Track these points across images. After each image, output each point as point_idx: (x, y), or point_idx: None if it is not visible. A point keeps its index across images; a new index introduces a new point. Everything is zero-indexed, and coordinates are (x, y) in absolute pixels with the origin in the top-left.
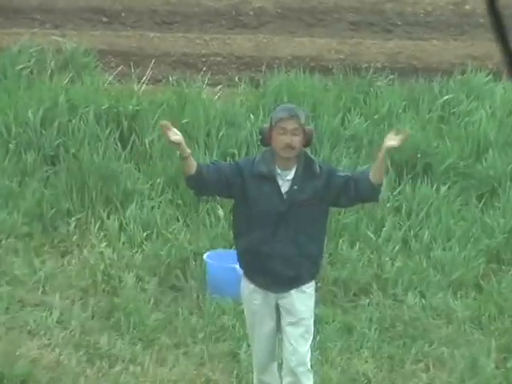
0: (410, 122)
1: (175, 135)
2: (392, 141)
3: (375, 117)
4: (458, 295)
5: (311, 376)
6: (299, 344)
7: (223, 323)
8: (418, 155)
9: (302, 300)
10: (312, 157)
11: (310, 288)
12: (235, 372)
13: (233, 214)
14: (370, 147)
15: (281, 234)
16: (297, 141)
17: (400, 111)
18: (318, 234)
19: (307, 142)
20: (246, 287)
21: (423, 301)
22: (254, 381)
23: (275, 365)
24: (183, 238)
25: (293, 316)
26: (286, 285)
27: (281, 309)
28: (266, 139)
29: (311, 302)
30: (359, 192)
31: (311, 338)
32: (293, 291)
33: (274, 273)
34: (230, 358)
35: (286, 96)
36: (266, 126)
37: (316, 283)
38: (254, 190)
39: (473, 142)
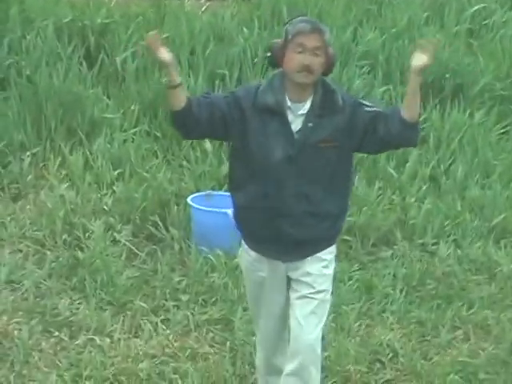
0: (435, 37)
1: (165, 54)
2: (420, 60)
3: (392, 30)
4: (502, 244)
5: (319, 364)
6: (309, 322)
7: (212, 282)
8: (447, 75)
9: (319, 269)
10: (333, 85)
11: (329, 255)
12: (228, 344)
13: (229, 161)
14: (388, 66)
15: (291, 187)
16: (317, 63)
17: (422, 24)
18: (339, 186)
19: (328, 69)
20: (246, 255)
21: (458, 252)
22: (258, 362)
23: (286, 345)
24: (162, 177)
25: (306, 288)
26: (299, 252)
27: (291, 281)
28: (277, 58)
29: (330, 272)
30: (390, 133)
31: (325, 317)
32: (307, 259)
33: (283, 237)
34: (222, 326)
35: (286, 6)
36: (279, 41)
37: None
38: (255, 128)
39: (510, 59)
